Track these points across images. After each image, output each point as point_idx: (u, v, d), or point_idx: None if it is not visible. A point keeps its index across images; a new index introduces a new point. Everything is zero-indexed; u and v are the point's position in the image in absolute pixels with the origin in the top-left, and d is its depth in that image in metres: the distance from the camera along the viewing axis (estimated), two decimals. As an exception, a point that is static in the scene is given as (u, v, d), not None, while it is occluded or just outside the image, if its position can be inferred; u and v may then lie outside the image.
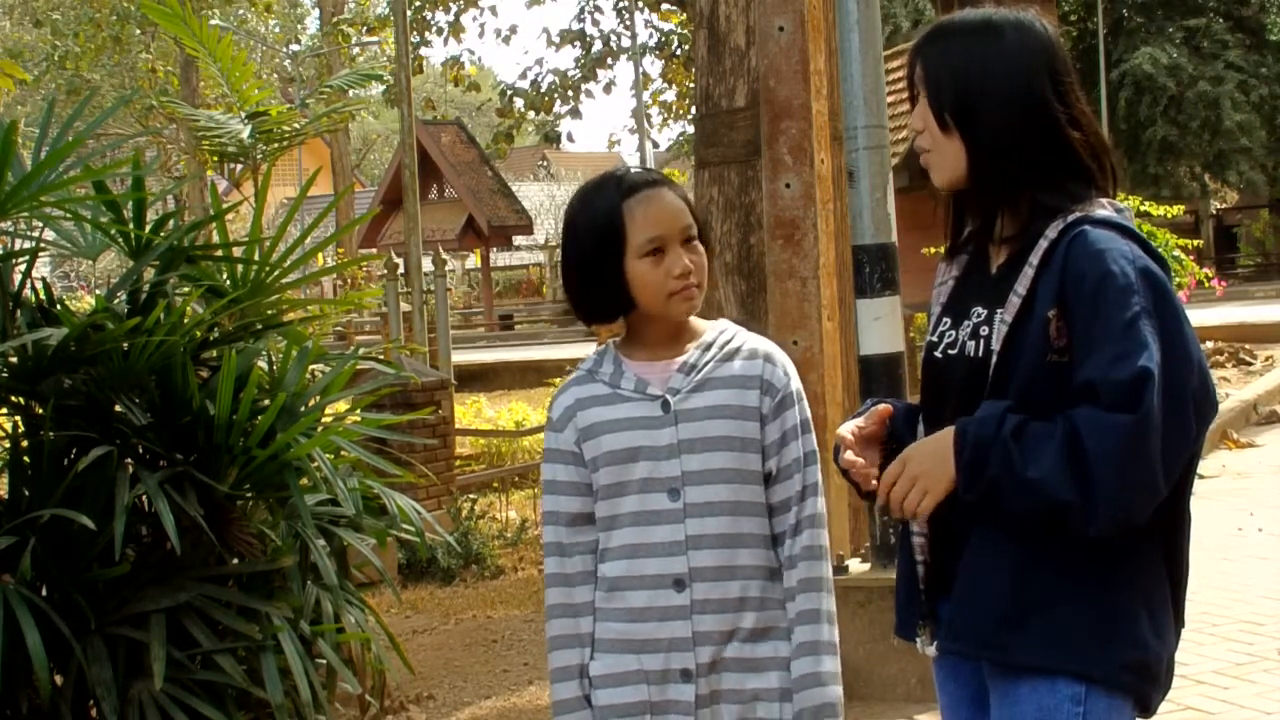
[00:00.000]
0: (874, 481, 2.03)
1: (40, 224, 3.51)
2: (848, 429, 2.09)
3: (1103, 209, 1.96)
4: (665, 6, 16.88)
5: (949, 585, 2.02)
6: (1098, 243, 1.89)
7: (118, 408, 3.22)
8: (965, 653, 2.01)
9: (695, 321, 2.22)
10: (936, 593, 2.07)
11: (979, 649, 1.97)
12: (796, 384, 2.21)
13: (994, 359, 1.93)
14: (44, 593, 3.06)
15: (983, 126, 1.97)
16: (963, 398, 1.97)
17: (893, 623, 2.19)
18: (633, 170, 2.19)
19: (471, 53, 63.88)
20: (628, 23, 17.71)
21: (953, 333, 2.05)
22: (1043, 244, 1.93)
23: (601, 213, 2.14)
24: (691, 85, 10.01)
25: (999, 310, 1.95)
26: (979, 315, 2.00)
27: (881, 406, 2.12)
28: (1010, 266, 1.99)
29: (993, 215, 2.03)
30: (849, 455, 2.06)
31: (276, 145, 5.95)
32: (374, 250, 26.17)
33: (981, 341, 1.98)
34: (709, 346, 2.18)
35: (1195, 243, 11.62)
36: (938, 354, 2.06)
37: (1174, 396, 1.81)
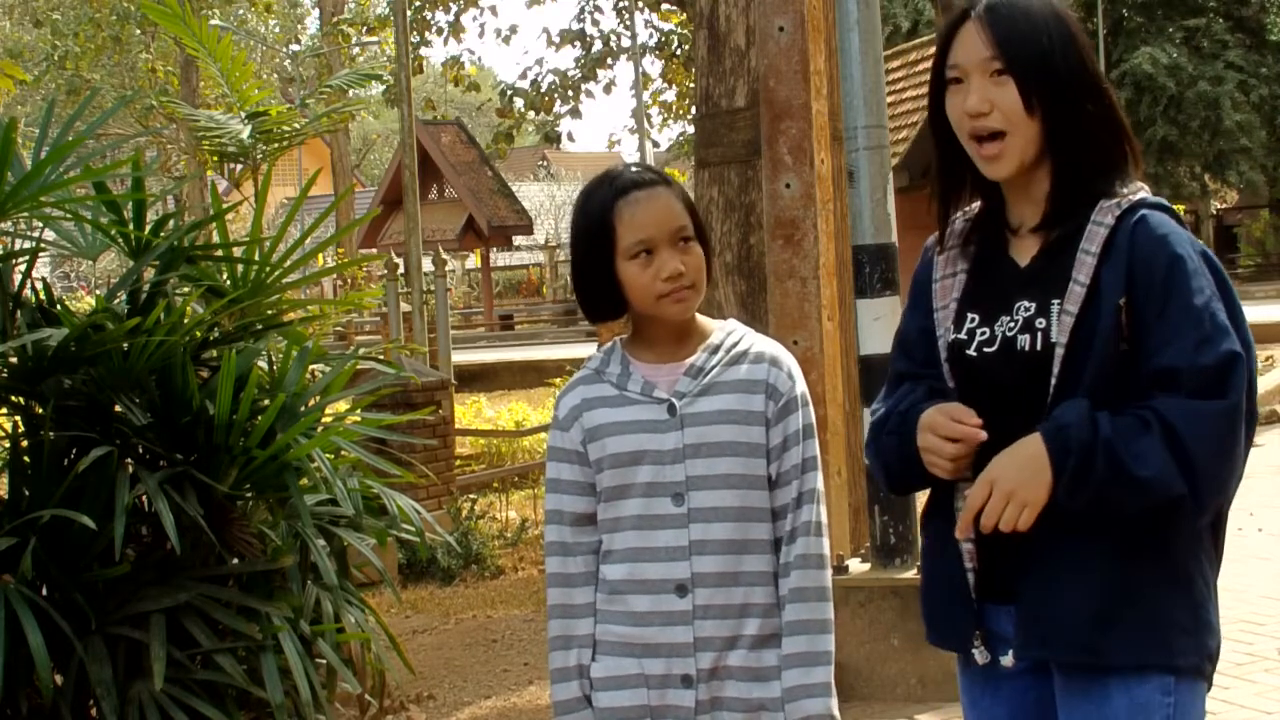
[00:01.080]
0: (946, 472, 1.92)
1: (40, 224, 3.51)
2: (946, 425, 1.92)
3: (1144, 191, 1.92)
4: (665, 6, 16.86)
5: (1004, 592, 1.95)
6: (1160, 227, 1.86)
7: (118, 408, 3.22)
8: (1056, 657, 1.93)
9: (703, 322, 2.20)
10: (989, 600, 1.98)
11: (1071, 653, 1.90)
12: (802, 388, 2.18)
13: (1059, 351, 1.87)
14: (44, 593, 3.06)
15: (1070, 113, 1.89)
16: (1020, 394, 1.90)
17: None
18: (630, 169, 2.17)
19: (471, 53, 63.86)
20: (628, 23, 17.69)
21: (986, 329, 1.96)
22: (1100, 231, 1.87)
23: (594, 213, 2.13)
24: (691, 85, 10.01)
25: (1055, 301, 1.88)
26: (1027, 309, 1.92)
27: (974, 421, 1.91)
28: (1050, 256, 1.92)
29: (1067, 205, 1.92)
30: (952, 448, 1.91)
31: (276, 145, 5.96)
32: (374, 250, 26.16)
33: (1039, 335, 1.90)
34: (716, 349, 2.16)
35: (1195, 243, 11.59)
36: (970, 352, 1.97)
37: (1248, 382, 1.82)
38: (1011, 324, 1.93)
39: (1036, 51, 1.89)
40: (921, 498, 2.14)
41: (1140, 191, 1.91)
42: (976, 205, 2.07)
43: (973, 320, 1.99)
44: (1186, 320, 1.80)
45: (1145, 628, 1.87)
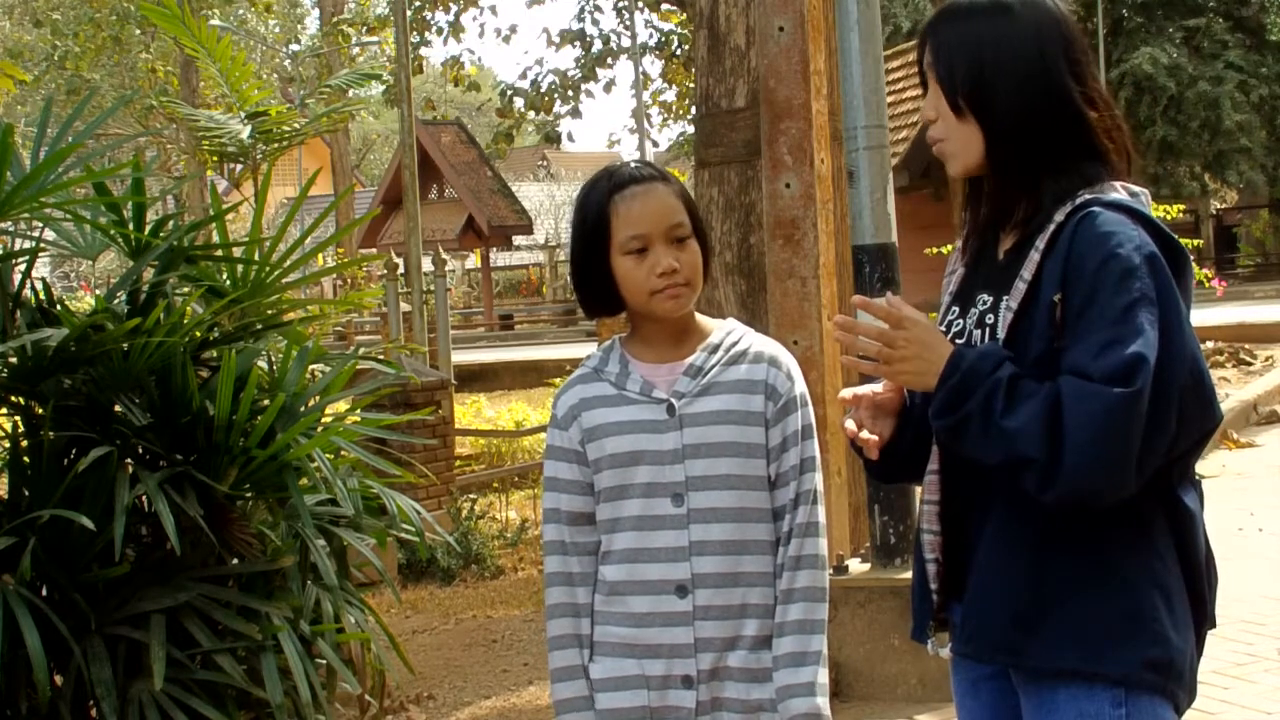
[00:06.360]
0: (876, 453, 2.00)
1: (40, 224, 3.50)
2: (853, 392, 2.02)
3: (1115, 192, 1.89)
4: (665, 6, 16.87)
5: (963, 586, 1.97)
6: (1105, 225, 1.82)
7: (118, 408, 3.22)
8: (979, 657, 1.96)
9: (703, 321, 2.20)
10: (950, 594, 2.01)
11: (993, 653, 1.92)
12: (801, 388, 2.19)
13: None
14: (44, 593, 3.06)
15: (999, 110, 1.91)
16: None
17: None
18: (628, 166, 2.18)
19: (471, 53, 63.94)
20: (628, 23, 17.70)
21: (960, 322, 1.99)
22: (1050, 227, 1.88)
23: (591, 209, 2.14)
24: (691, 85, 10.01)
25: (1005, 297, 1.90)
26: (984, 303, 1.95)
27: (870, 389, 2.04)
28: (1017, 252, 1.94)
29: (1013, 202, 1.95)
30: (851, 425, 2.00)
31: (276, 145, 5.95)
32: (374, 250, 26.16)
33: (987, 330, 1.92)
34: (715, 349, 2.16)
35: (1195, 243, 11.63)
36: None
37: (1160, 390, 1.75)
38: (974, 317, 1.97)
39: (963, 59, 1.93)
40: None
41: (1111, 191, 1.89)
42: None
43: (953, 313, 2.03)
44: (1101, 321, 1.77)
45: (1068, 630, 1.84)
